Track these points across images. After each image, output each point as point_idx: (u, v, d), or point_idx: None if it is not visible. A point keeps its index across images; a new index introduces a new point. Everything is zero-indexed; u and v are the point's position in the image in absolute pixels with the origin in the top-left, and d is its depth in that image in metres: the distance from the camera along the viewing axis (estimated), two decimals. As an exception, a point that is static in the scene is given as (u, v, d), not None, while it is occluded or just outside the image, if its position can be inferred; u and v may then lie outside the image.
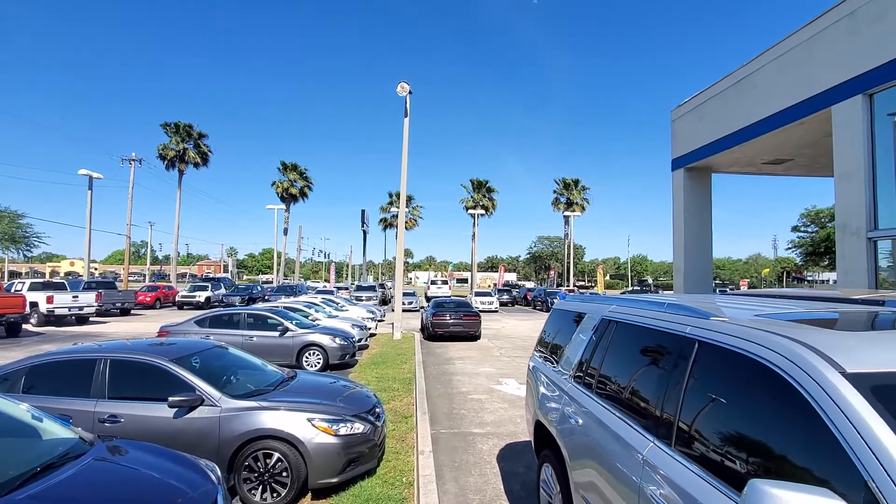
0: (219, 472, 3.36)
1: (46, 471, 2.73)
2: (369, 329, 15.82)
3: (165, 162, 39.31)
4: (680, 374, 2.24)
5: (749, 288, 61.01)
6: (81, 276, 35.61)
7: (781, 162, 14.49)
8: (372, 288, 34.99)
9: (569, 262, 48.23)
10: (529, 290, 43.25)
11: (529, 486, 4.83)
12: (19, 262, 69.79)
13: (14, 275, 59.90)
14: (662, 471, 2.10)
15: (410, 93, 15.74)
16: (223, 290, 33.00)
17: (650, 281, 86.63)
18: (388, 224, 56.11)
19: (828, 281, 61.65)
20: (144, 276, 63.57)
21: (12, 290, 19.03)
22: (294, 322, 11.50)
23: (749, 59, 12.66)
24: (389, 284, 47.06)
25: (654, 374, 2.47)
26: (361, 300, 28.29)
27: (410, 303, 30.85)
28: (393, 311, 18.69)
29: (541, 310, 33.89)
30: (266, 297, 30.79)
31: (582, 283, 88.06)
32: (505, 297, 39.27)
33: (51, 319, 19.53)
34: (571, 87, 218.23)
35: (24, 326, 17.57)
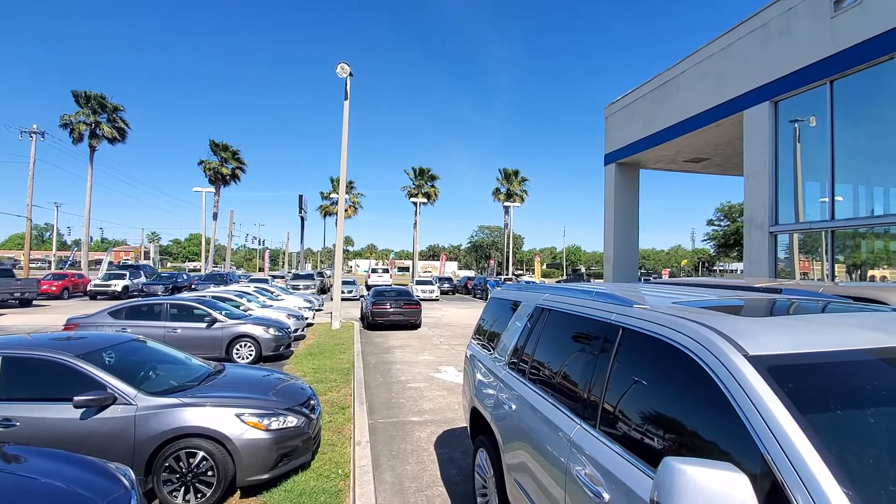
0: (133, 476, 3.11)
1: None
2: (306, 319, 15.34)
3: (73, 135, 35.46)
4: (605, 359, 2.35)
5: (670, 277, 66.10)
6: (-29, 262, 31.51)
7: (700, 160, 15.68)
8: (310, 276, 33.92)
9: (508, 252, 49.49)
10: (469, 278, 43.98)
11: (466, 472, 4.93)
12: None
13: None
14: (587, 451, 2.19)
15: (351, 75, 15.25)
16: (143, 279, 30.53)
17: (583, 270, 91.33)
18: (327, 211, 54.50)
19: (735, 270, 67.96)
20: (49, 262, 57.41)
21: None
22: (223, 312, 10.89)
23: (675, 62, 13.50)
24: (328, 273, 45.89)
25: (583, 359, 2.57)
26: (299, 289, 27.36)
27: (350, 291, 30.30)
28: (332, 299, 18.25)
29: (480, 298, 34.59)
30: (193, 287, 28.89)
31: (520, 272, 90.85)
32: (446, 286, 39.68)
33: (-69, 312, 17.12)
34: (514, 81, 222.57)
35: None
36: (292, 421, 4.61)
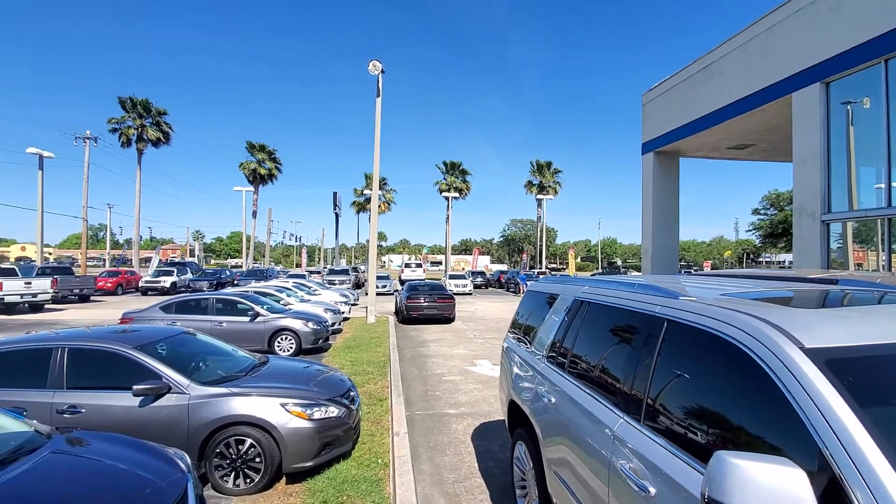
0: (188, 461, 3.29)
1: (-2, 467, 2.60)
2: (343, 313, 15.69)
3: (122, 139, 37.38)
4: (649, 352, 2.30)
5: (712, 269, 63.57)
6: (34, 261, 33.80)
7: (745, 147, 14.97)
8: (345, 272, 34.64)
9: (541, 245, 48.91)
10: (502, 272, 43.77)
11: (504, 464, 4.95)
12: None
13: (-40, 261, 56.31)
14: (632, 445, 2.17)
15: (382, 72, 15.38)
16: (190, 275, 31.99)
17: (619, 263, 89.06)
18: (361, 207, 55.36)
19: (783, 262, 64.75)
20: (104, 260, 60.93)
21: (-42, 277, 17.89)
22: (265, 307, 11.29)
23: (717, 45, 12.92)
24: (363, 268, 46.67)
25: (625, 352, 2.53)
26: (334, 284, 28.01)
27: (384, 286, 30.74)
28: (366, 294, 18.59)
29: (513, 292, 34.40)
30: (235, 282, 30.05)
31: (554, 265, 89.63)
32: (479, 280, 39.66)
33: (4, 308, 18.54)
34: (544, 72, 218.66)
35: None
36: (333, 411, 4.75)
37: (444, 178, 50.86)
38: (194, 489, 3.02)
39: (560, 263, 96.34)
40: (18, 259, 63.05)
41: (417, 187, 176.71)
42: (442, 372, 9.30)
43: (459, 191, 50.38)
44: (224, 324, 10.48)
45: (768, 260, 71.38)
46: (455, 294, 24.33)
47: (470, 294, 31.82)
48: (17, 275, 19.48)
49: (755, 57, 11.58)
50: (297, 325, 10.84)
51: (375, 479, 4.50)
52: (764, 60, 11.26)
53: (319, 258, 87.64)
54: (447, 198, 49.60)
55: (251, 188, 45.04)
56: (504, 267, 72.43)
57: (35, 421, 3.30)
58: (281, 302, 13.58)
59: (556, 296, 3.73)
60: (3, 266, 21.33)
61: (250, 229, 47.10)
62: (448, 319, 17.00)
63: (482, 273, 44.49)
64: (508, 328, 4.87)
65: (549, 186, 50.04)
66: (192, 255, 78.73)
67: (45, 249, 33.59)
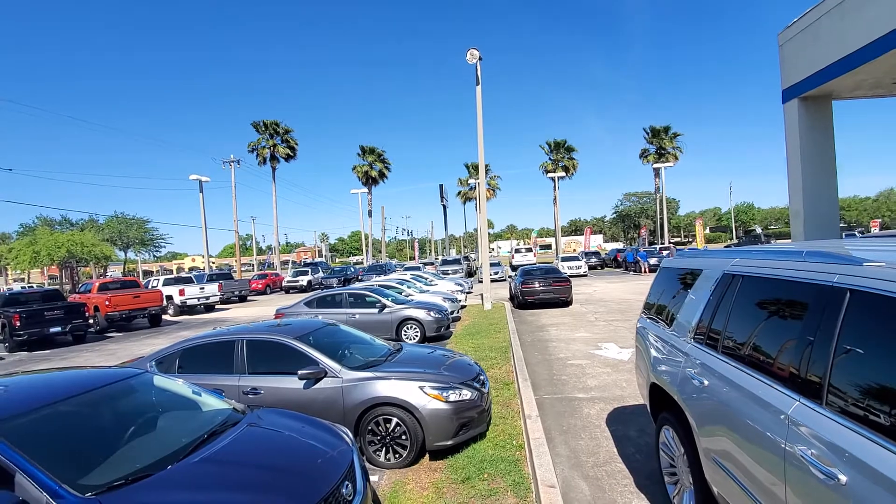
0: (351, 435, 3.71)
1: (211, 437, 3.18)
2: (460, 301, 16.19)
3: (258, 159, 42.63)
4: (828, 326, 2.03)
5: (882, 229, 52.76)
6: (203, 270, 40.31)
7: (925, 76, 12.12)
8: (457, 261, 35.61)
9: (661, 218, 45.05)
10: (619, 251, 41.30)
11: (645, 450, 4.74)
12: (150, 261, 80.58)
13: (147, 273, 69.24)
14: (813, 429, 1.94)
15: (480, 59, 15.37)
16: (321, 274, 35.56)
17: (759, 231, 78.04)
18: (467, 197, 56.26)
19: None
20: (253, 265, 70.39)
21: (150, 287, 22.06)
22: (390, 299, 12.11)
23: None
24: (473, 256, 47.51)
25: (795, 328, 2.26)
26: (448, 274, 28.96)
27: (496, 273, 30.97)
28: (480, 282, 18.94)
29: (633, 271, 32.29)
30: (359, 278, 32.67)
31: (678, 239, 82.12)
32: (593, 261, 37.98)
33: (184, 309, 22.47)
34: (653, 25, 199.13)
35: (163, 317, 20.38)
36: (467, 394, 4.97)
37: (549, 158, 49.33)
38: (359, 460, 3.40)
39: (685, 237, 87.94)
40: (191, 269, 75.67)
41: (521, 171, 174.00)
42: (566, 356, 9.14)
43: (566, 170, 48.50)
44: (357, 315, 11.48)
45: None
46: (570, 276, 23.62)
47: (585, 275, 30.62)
48: (193, 282, 23.43)
49: (939, -40, 9.27)
50: (420, 314, 11.46)
51: (512, 459, 4.62)
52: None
53: (430, 250, 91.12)
54: (553, 178, 48.08)
55: (365, 189, 48.37)
56: (620, 245, 68.30)
57: (232, 400, 3.97)
58: (403, 294, 14.45)
59: (699, 271, 3.44)
60: (182, 276, 25.79)
61: (367, 228, 50.72)
62: (565, 303, 16.59)
63: (596, 253, 42.44)
64: (642, 309, 4.62)
65: (668, 153, 45.74)
66: (320, 255, 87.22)
67: (209, 259, 39.79)
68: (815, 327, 2.10)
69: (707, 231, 78.66)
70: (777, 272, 2.51)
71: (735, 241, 64.36)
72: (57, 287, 30.37)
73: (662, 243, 42.29)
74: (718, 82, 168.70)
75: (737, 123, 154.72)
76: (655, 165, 45.42)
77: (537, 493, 3.88)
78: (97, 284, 18.78)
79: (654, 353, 3.87)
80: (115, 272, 57.26)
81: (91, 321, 16.73)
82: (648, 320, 4.30)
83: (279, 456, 3.20)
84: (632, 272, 32.32)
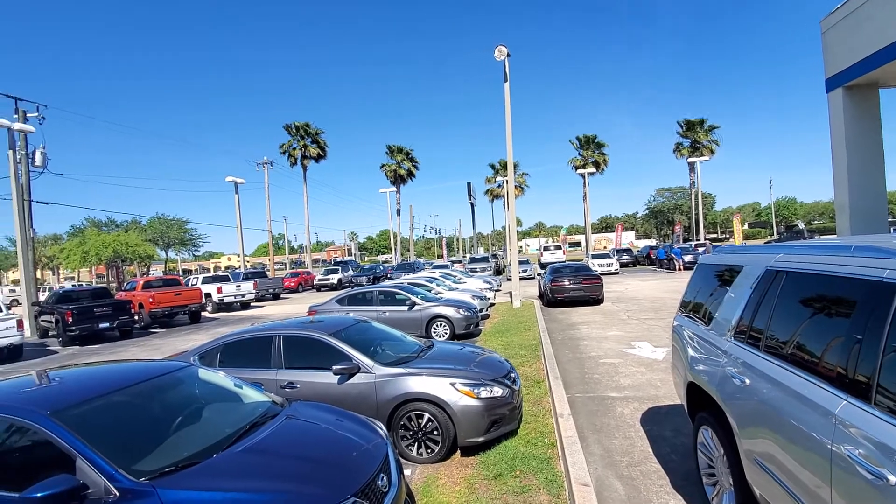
0: (385, 429, 3.79)
1: (253, 428, 3.31)
2: (488, 299, 16.17)
3: (290, 160, 43.68)
4: (878, 323, 1.95)
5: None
6: (238, 268, 41.62)
7: None
8: (485, 259, 35.55)
9: (697, 214, 43.66)
10: (651, 248, 40.28)
11: (681, 450, 4.64)
12: (189, 261, 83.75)
13: (186, 272, 71.95)
14: (862, 429, 1.88)
15: (509, 55, 15.27)
16: (351, 272, 36.15)
17: (801, 226, 74.52)
18: (495, 195, 56.02)
19: None
20: (285, 264, 72.20)
21: (190, 285, 22.94)
22: (419, 296, 12.22)
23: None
24: (501, 254, 47.28)
25: (842, 326, 2.18)
26: (476, 272, 28.92)
27: (525, 271, 30.72)
28: (508, 280, 18.85)
29: (667, 268, 31.44)
30: (389, 276, 33.02)
31: (714, 235, 79.38)
32: (625, 258, 37.18)
33: (221, 306, 23.27)
34: (686, 15, 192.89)
35: (202, 313, 21.16)
36: (498, 391, 4.98)
37: (579, 154, 48.55)
38: (393, 453, 3.47)
39: (721, 233, 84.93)
40: (227, 268, 78.21)
41: (549, 168, 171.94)
42: (598, 354, 9.01)
43: (596, 165, 47.61)
44: (387, 313, 11.63)
45: None
46: (601, 274, 23.19)
47: (616, 273, 30.01)
48: (230, 280, 24.24)
49: None
50: (449, 312, 11.52)
51: (544, 457, 4.61)
52: None
53: (457, 248, 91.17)
54: (583, 175, 47.26)
55: (393, 188, 48.83)
56: (652, 242, 66.58)
57: (272, 393, 4.12)
58: (432, 291, 14.54)
59: (739, 268, 3.34)
60: (219, 274, 26.72)
61: (395, 226, 51.21)
62: (596, 301, 16.33)
63: (628, 250, 41.51)
64: (678, 307, 4.52)
65: (703, 146, 44.27)
66: (349, 254, 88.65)
67: (244, 258, 41.04)
68: (864, 324, 2.02)
69: (745, 227, 75.68)
70: (824, 268, 2.42)
71: (776, 236, 61.70)
72: (105, 285, 31.99)
73: (698, 240, 40.98)
74: (757, 72, 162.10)
75: (777, 114, 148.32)
76: (690, 159, 44.04)
77: (570, 492, 3.87)
78: (141, 282, 19.69)
79: (691, 351, 3.78)
80: (156, 271, 59.86)
81: (136, 317, 17.56)
82: (685, 318, 4.21)
83: (317, 447, 3.30)
84: (665, 270, 31.48)
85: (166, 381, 3.64)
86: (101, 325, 15.54)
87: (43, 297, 22.00)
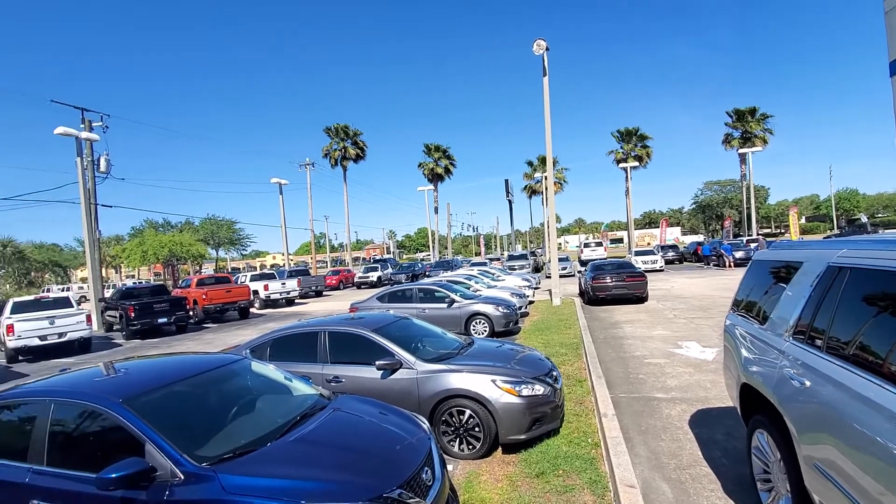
0: (428, 424, 3.85)
1: (303, 419, 3.45)
2: (527, 297, 16.02)
3: (331, 161, 44.84)
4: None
5: None
6: (283, 267, 43.11)
7: None
8: (523, 256, 35.20)
9: (748, 208, 41.46)
10: (699, 244, 38.63)
11: (733, 454, 4.45)
12: (237, 259, 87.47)
13: (235, 270, 75.08)
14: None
15: (547, 49, 15.04)
16: (390, 270, 36.70)
17: (864, 219, 69.26)
18: (532, 191, 55.37)
19: None
20: (326, 262, 74.16)
21: (239, 283, 23.98)
22: (458, 294, 12.27)
23: None
24: (539, 252, 46.68)
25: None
26: (515, 269, 28.69)
27: (564, 268, 30.22)
28: (547, 277, 18.59)
29: (716, 265, 30.06)
30: (427, 273, 33.29)
31: (767, 230, 75.25)
32: (671, 255, 35.85)
33: (268, 303, 24.21)
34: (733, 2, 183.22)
35: (250, 310, 22.10)
36: (539, 389, 4.95)
37: (620, 148, 47.15)
38: (436, 448, 3.52)
39: (776, 227, 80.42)
40: (272, 266, 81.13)
41: (589, 163, 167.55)
42: (642, 354, 8.76)
43: (639, 159, 46.11)
44: (426, 310, 11.74)
45: None
46: (644, 271, 22.46)
47: (661, 270, 28.99)
48: (276, 278, 25.19)
49: None
50: (489, 309, 11.51)
51: (588, 457, 4.54)
52: None
53: (495, 246, 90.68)
54: (625, 168, 45.90)
55: (431, 186, 49.12)
56: (700, 238, 63.85)
57: (319, 387, 4.27)
58: (470, 289, 14.56)
59: (798, 264, 3.17)
60: (266, 272, 27.81)
61: (433, 224, 51.50)
62: (640, 299, 15.84)
63: (674, 246, 40.00)
64: (731, 305, 4.34)
65: (756, 136, 41.97)
66: (388, 252, 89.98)
67: (288, 257, 42.50)
68: (943, 325, 1.88)
69: (802, 221, 71.24)
70: (893, 263, 2.26)
71: (837, 230, 57.66)
72: (162, 282, 33.96)
73: (750, 235, 38.92)
74: (814, 57, 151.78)
75: (837, 101, 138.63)
76: (741, 151, 41.79)
77: (616, 493, 3.80)
78: (195, 280, 20.77)
79: (745, 352, 3.62)
80: (207, 269, 63.00)
81: (191, 313, 18.55)
82: (739, 317, 4.03)
83: (364, 439, 3.40)
84: (713, 266, 30.11)
85: (223, 372, 3.85)
86: (160, 321, 16.52)
87: (108, 293, 23.60)
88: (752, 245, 29.33)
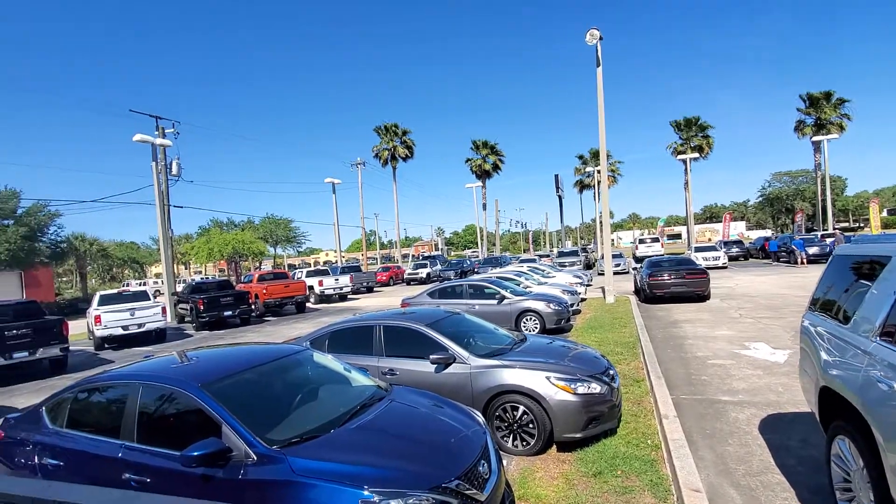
0: (482, 419, 3.88)
1: (363, 409, 3.58)
2: (579, 294, 15.65)
3: (381, 160, 45.73)
4: None
5: None
6: (335, 263, 44.57)
7: None
8: (574, 253, 34.37)
9: (823, 200, 38.24)
10: (767, 239, 36.10)
11: (808, 462, 4.17)
12: (293, 256, 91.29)
13: (291, 266, 78.40)
14: None
15: (601, 39, 14.57)
16: (439, 266, 37.02)
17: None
18: (583, 186, 53.93)
19: None
20: (376, 259, 75.92)
21: (296, 278, 25.01)
22: (509, 290, 12.19)
23: None
24: (591, 248, 45.43)
25: None
26: (565, 266, 28.08)
27: (618, 265, 29.20)
28: (600, 274, 18.06)
29: (786, 262, 28.00)
30: (476, 270, 33.30)
31: (845, 223, 69.21)
32: (735, 251, 33.73)
33: (322, 298, 25.11)
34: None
35: (306, 304, 23.03)
36: (596, 388, 4.85)
37: (679, 138, 44.88)
38: (492, 442, 3.55)
39: (854, 221, 73.77)
40: (325, 263, 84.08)
41: (644, 155, 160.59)
42: (705, 355, 8.34)
43: (699, 150, 43.68)
44: (476, 306, 11.75)
45: None
46: (706, 268, 21.29)
47: (724, 267, 27.37)
48: (329, 274, 26.09)
49: None
50: (539, 306, 11.36)
51: (648, 459, 4.41)
52: None
53: (544, 242, 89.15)
54: (684, 160, 43.63)
55: (479, 183, 49.01)
56: (768, 233, 59.66)
57: (376, 378, 4.41)
58: (521, 286, 14.42)
59: (885, 259, 2.92)
60: (320, 268, 28.86)
61: (481, 221, 51.39)
62: (701, 297, 15.05)
63: (738, 242, 37.57)
64: (808, 304, 4.05)
65: (831, 123, 38.57)
66: (436, 248, 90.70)
67: (340, 254, 43.90)
68: None
69: (884, 213, 64.88)
70: None
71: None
72: (227, 278, 36.09)
73: (825, 229, 35.90)
74: (894, 33, 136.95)
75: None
76: (815, 139, 38.58)
77: (679, 496, 3.67)
78: (256, 276, 21.93)
79: (824, 353, 3.38)
80: (266, 266, 66.23)
81: (253, 307, 19.61)
82: (817, 316, 3.76)
83: (421, 430, 3.49)
84: (783, 263, 28.05)
85: (289, 362, 4.06)
86: (226, 313, 17.59)
87: (179, 288, 25.41)
88: (828, 240, 27.06)
